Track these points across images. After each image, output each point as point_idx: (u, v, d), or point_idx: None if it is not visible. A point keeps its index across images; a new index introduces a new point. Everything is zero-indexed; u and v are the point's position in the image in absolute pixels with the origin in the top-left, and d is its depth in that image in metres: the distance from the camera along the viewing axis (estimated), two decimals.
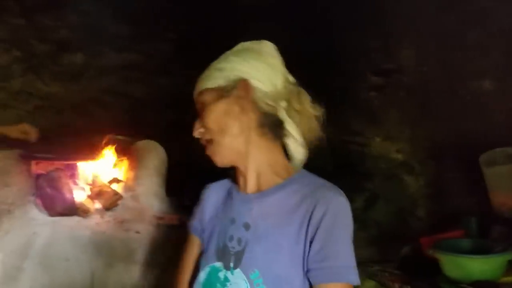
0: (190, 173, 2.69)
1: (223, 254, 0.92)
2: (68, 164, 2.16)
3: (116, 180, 2.22)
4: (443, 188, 2.10)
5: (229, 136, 0.93)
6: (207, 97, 0.97)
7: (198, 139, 1.01)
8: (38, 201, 2.01)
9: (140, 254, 1.94)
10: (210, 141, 0.96)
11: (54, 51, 2.78)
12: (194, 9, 2.96)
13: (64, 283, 1.80)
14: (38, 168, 2.09)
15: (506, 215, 1.79)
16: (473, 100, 1.99)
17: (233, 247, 0.91)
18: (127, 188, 2.18)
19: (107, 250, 1.91)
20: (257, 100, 0.92)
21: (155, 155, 2.25)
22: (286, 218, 0.88)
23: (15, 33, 2.69)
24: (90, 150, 2.31)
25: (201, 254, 1.03)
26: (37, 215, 1.96)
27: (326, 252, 0.83)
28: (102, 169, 2.25)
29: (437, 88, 2.09)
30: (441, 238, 1.84)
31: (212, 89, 0.96)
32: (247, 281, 0.85)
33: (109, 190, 2.16)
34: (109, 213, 2.10)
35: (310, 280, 0.85)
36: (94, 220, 2.02)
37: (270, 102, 0.93)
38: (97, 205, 2.13)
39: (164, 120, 2.96)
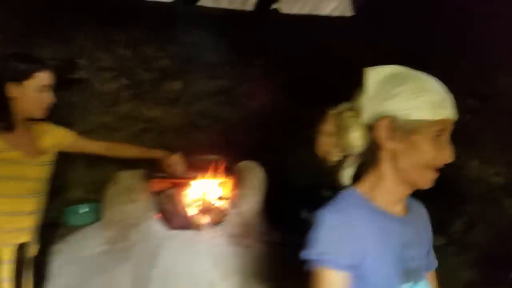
0: (281, 191, 2.85)
1: (406, 276, 0.99)
2: (180, 182, 2.37)
3: (222, 198, 2.41)
4: None
5: None
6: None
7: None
8: (159, 216, 2.23)
9: (252, 267, 2.10)
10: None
11: (156, 79, 3.05)
12: (281, 36, 3.16)
13: None
14: (157, 185, 2.32)
15: None
16: None
17: (411, 267, 1.00)
18: (232, 205, 2.35)
19: (222, 263, 2.08)
20: None
21: (255, 175, 2.42)
22: (422, 230, 1.10)
23: (123, 63, 2.98)
24: (194, 169, 2.51)
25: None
26: (159, 229, 2.17)
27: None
28: (209, 187, 2.45)
29: None
30: None
31: None
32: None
33: (216, 206, 2.34)
34: (218, 227, 2.27)
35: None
36: (207, 234, 2.21)
37: None
38: (206, 220, 2.32)
39: (253, 141, 3.13)
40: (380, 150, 0.98)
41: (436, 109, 0.94)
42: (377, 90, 0.98)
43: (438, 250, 1.15)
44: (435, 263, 1.15)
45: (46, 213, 2.72)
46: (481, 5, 2.23)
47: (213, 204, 2.35)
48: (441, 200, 1.89)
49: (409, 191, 1.04)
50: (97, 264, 2.03)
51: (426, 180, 0.98)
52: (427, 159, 0.95)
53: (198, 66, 3.12)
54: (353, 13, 3.27)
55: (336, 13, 3.29)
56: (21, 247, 1.68)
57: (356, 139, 0.99)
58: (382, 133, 0.96)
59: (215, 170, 2.45)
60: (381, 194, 1.01)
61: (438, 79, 1.01)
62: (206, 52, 3.13)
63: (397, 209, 1.04)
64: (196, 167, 2.50)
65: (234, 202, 2.37)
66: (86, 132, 3.00)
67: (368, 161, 1.02)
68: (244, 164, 2.49)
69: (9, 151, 1.60)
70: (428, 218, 1.14)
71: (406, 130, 0.94)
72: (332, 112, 1.05)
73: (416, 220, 1.07)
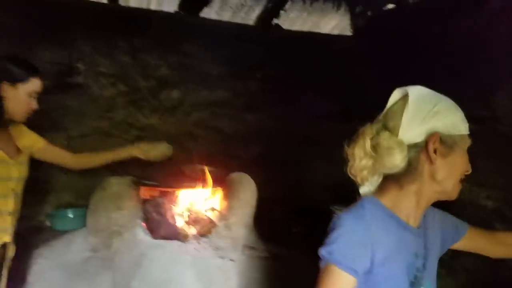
0: (272, 205, 2.81)
1: (416, 283, 1.03)
2: (170, 191, 2.34)
3: (211, 209, 2.37)
4: None
5: None
6: None
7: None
8: (144, 225, 2.20)
9: (235, 281, 2.05)
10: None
11: (154, 87, 3.05)
12: (279, 52, 3.17)
13: None
14: (145, 193, 2.29)
15: None
16: None
17: (420, 275, 1.04)
18: (221, 217, 2.32)
19: (205, 275, 2.03)
20: None
21: (247, 188, 2.38)
22: (433, 242, 1.12)
23: (122, 70, 2.99)
24: (184, 179, 2.49)
25: None
26: (144, 238, 2.13)
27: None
28: (199, 197, 2.41)
29: None
30: None
31: None
32: None
33: (205, 217, 2.31)
34: (205, 239, 2.24)
35: None
36: (192, 246, 2.17)
37: None
38: (193, 231, 2.28)
39: (248, 153, 3.11)
40: (420, 167, 1.01)
41: (466, 124, 1.03)
42: (417, 109, 1.00)
43: None
44: (466, 225, 1.22)
45: (32, 217, 2.72)
46: (480, 29, 2.24)
47: (201, 215, 2.32)
48: None
49: (429, 204, 1.07)
50: (78, 271, 1.99)
51: (457, 190, 1.04)
52: (462, 171, 1.03)
53: (197, 77, 3.13)
54: (352, 33, 3.30)
55: (336, 32, 3.33)
56: (3, 247, 1.68)
57: (399, 160, 0.99)
58: (433, 149, 0.99)
59: (206, 180, 2.42)
60: (405, 206, 1.05)
61: None
62: (206, 63, 3.15)
63: (415, 221, 1.07)
64: (186, 176, 2.48)
65: (223, 214, 2.33)
66: (80, 136, 3.00)
67: (397, 176, 1.02)
68: (235, 175, 2.46)
69: None
70: (443, 220, 1.17)
71: (449, 144, 1.00)
72: (365, 133, 1.04)
73: (428, 231, 1.11)
